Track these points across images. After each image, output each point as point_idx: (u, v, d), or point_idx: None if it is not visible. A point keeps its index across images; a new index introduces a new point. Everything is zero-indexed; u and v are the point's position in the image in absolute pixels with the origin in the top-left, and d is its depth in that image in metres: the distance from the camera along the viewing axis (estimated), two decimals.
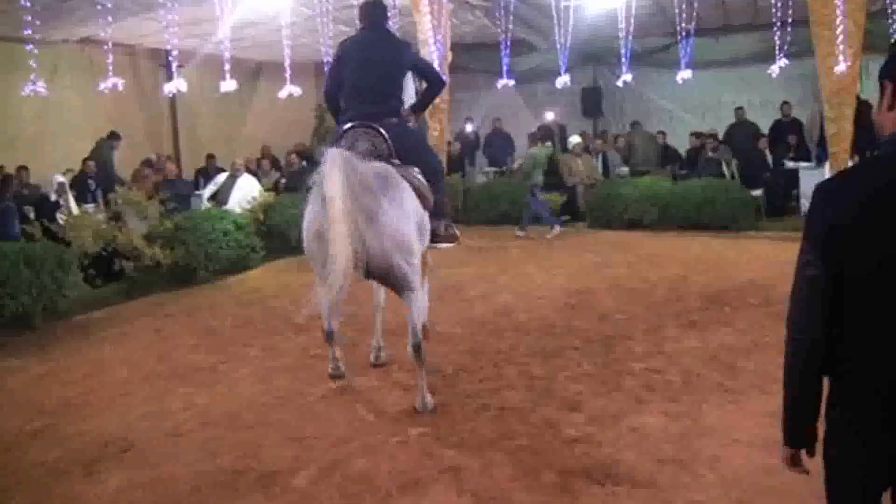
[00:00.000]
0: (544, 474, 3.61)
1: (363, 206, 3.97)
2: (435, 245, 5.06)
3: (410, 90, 5.17)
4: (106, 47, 9.45)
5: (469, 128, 15.09)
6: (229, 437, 4.27)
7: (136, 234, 7.98)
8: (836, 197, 1.76)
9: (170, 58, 10.67)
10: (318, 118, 16.38)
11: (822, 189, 1.80)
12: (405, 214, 4.30)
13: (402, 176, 4.44)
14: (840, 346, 1.77)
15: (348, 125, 4.64)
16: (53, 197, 8.78)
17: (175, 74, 10.24)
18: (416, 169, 4.65)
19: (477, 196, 12.43)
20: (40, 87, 8.54)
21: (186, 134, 15.56)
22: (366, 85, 4.77)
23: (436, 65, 11.30)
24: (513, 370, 5.22)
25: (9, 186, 8.44)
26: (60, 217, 8.21)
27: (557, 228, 10.86)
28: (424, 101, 5.25)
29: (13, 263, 6.43)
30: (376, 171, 4.25)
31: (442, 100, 11.71)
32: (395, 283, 4.40)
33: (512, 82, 12.85)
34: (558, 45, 12.41)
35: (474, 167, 14.87)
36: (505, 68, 12.79)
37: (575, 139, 12.42)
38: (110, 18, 9.40)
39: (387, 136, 4.60)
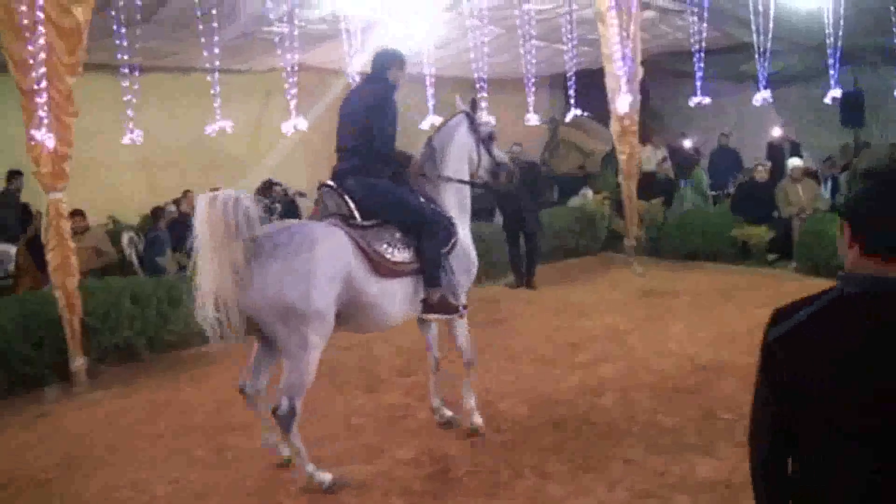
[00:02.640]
0: None
1: (231, 255, 3.92)
2: (425, 316, 4.76)
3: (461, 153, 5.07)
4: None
5: (687, 143, 13.38)
6: None
7: None
8: (797, 350, 1.68)
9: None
10: (550, 131, 15.78)
11: (781, 340, 1.70)
12: (299, 278, 4.04)
13: (338, 238, 4.29)
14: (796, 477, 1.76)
15: (320, 185, 4.76)
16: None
17: None
18: (389, 232, 4.55)
19: (670, 226, 10.90)
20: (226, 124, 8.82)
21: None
22: (341, 141, 4.78)
23: (623, 83, 10.17)
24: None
25: (161, 216, 9.04)
26: None
27: None
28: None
29: (116, 298, 6.79)
30: (278, 232, 4.21)
31: (631, 121, 10.50)
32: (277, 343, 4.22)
33: (767, 94, 10.73)
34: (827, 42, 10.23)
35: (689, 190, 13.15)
36: (762, 78, 10.78)
37: (794, 161, 10.34)
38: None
39: (347, 196, 4.56)
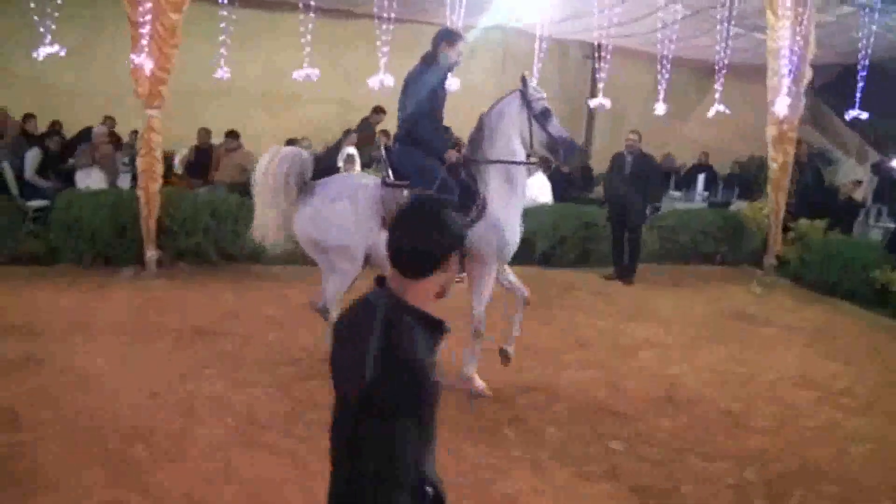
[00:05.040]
0: None
1: (278, 198, 5.15)
2: None
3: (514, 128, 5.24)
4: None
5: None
6: None
7: None
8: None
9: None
10: None
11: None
12: (323, 219, 5.12)
13: (362, 191, 5.17)
14: None
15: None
16: (340, 164, 10.06)
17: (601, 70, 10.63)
18: (406, 191, 5.09)
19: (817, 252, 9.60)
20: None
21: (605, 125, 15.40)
22: (398, 111, 5.39)
23: (785, 83, 9.10)
24: None
25: None
26: None
27: None
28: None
29: (197, 209, 7.92)
30: (324, 182, 5.35)
31: (790, 126, 9.42)
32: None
33: None
34: None
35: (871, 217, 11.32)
36: None
37: None
38: None
39: (386, 159, 5.43)
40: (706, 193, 12.69)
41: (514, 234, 5.26)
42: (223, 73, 9.28)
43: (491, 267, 5.24)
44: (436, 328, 1.88)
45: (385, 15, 8.70)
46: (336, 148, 10.49)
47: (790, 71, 9.14)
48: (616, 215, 9.30)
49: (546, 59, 11.31)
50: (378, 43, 8.79)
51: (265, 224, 5.29)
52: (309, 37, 8.57)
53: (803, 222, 9.96)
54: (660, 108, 11.17)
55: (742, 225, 10.52)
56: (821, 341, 7.28)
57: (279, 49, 10.93)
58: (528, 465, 4.33)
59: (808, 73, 9.26)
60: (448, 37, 5.29)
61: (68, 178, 8.98)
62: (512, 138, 5.22)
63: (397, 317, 1.82)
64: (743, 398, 5.64)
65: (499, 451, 4.46)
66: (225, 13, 9.03)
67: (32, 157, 8.95)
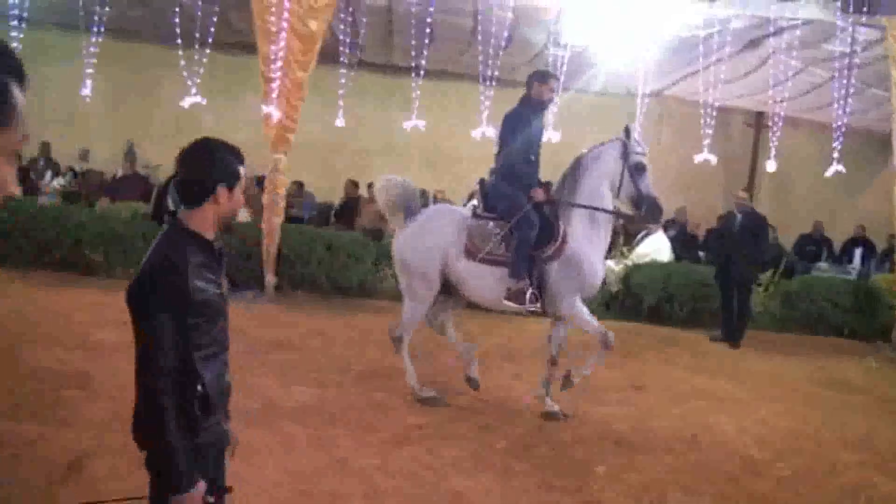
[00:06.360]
0: None
1: (394, 215, 5.73)
2: (503, 301, 5.42)
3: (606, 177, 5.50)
4: None
5: None
6: None
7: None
8: None
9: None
10: None
11: None
12: (410, 243, 5.56)
13: (452, 220, 5.60)
14: None
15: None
16: None
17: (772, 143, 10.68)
18: (491, 222, 5.48)
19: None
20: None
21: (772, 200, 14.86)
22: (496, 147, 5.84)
23: None
24: None
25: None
26: None
27: None
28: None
29: (312, 242, 8.92)
30: (423, 210, 5.81)
31: None
32: None
33: None
34: None
35: None
36: None
37: None
38: None
39: (480, 192, 5.80)
40: (861, 268, 11.82)
41: (593, 272, 5.43)
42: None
43: (575, 300, 5.41)
44: (209, 248, 2.29)
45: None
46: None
47: None
48: (723, 274, 9.07)
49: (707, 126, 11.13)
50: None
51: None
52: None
53: None
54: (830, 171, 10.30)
55: (876, 296, 9.74)
56: None
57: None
58: (498, 470, 4.57)
59: None
60: (539, 77, 5.69)
61: None
62: (602, 184, 5.47)
63: (172, 235, 2.26)
64: (775, 449, 5.41)
65: (478, 453, 4.75)
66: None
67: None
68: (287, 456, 4.47)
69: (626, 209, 5.65)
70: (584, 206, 5.43)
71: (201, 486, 2.23)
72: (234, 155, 2.37)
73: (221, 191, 2.29)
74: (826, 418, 6.27)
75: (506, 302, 5.39)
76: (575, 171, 5.54)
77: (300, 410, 5.26)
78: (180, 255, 2.21)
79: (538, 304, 5.38)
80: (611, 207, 5.54)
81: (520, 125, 5.53)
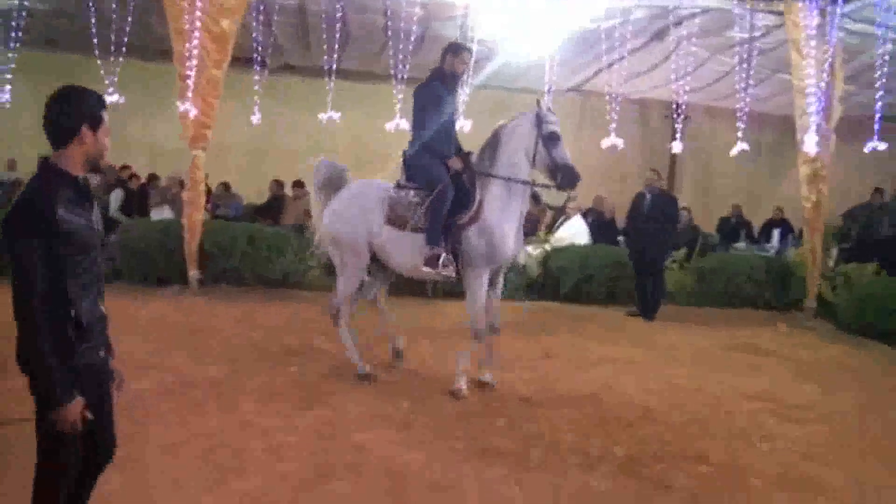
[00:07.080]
0: None
1: (326, 194, 6.12)
2: (422, 268, 5.57)
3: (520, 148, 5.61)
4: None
5: None
6: None
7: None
8: None
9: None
10: None
11: None
12: (335, 217, 5.87)
13: (374, 192, 5.83)
14: None
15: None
16: None
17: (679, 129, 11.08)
18: (412, 192, 5.71)
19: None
20: None
21: (693, 186, 15.51)
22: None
23: (813, 121, 8.99)
24: None
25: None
26: None
27: None
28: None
29: (234, 238, 9.02)
30: (347, 186, 6.08)
31: (822, 164, 9.27)
32: None
33: None
34: None
35: None
36: None
37: None
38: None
39: (401, 162, 5.94)
40: (779, 246, 12.35)
41: (504, 242, 5.54)
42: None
43: (482, 271, 5.55)
44: (77, 185, 2.51)
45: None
46: None
47: (818, 109, 9.05)
48: (636, 254, 9.42)
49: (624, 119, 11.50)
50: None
51: (316, 223, 6.29)
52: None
53: (851, 266, 9.59)
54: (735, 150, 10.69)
55: (790, 271, 10.22)
56: (813, 370, 7.07)
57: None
58: (398, 424, 4.78)
59: (837, 111, 9.13)
60: (453, 49, 5.78)
61: (146, 215, 10.45)
62: (517, 154, 5.58)
63: (42, 173, 2.49)
64: (674, 402, 5.71)
65: (382, 411, 4.94)
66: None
67: (116, 197, 10.53)
68: (194, 419, 4.61)
69: (543, 179, 5.78)
70: (500, 178, 5.56)
71: (79, 401, 2.41)
72: (96, 99, 2.60)
73: (86, 132, 2.52)
74: (730, 378, 6.57)
75: (423, 268, 5.53)
76: (493, 142, 5.67)
77: (212, 382, 5.40)
78: (47, 188, 2.43)
79: (452, 270, 5.53)
80: (527, 178, 5.65)
81: (434, 97, 5.67)
